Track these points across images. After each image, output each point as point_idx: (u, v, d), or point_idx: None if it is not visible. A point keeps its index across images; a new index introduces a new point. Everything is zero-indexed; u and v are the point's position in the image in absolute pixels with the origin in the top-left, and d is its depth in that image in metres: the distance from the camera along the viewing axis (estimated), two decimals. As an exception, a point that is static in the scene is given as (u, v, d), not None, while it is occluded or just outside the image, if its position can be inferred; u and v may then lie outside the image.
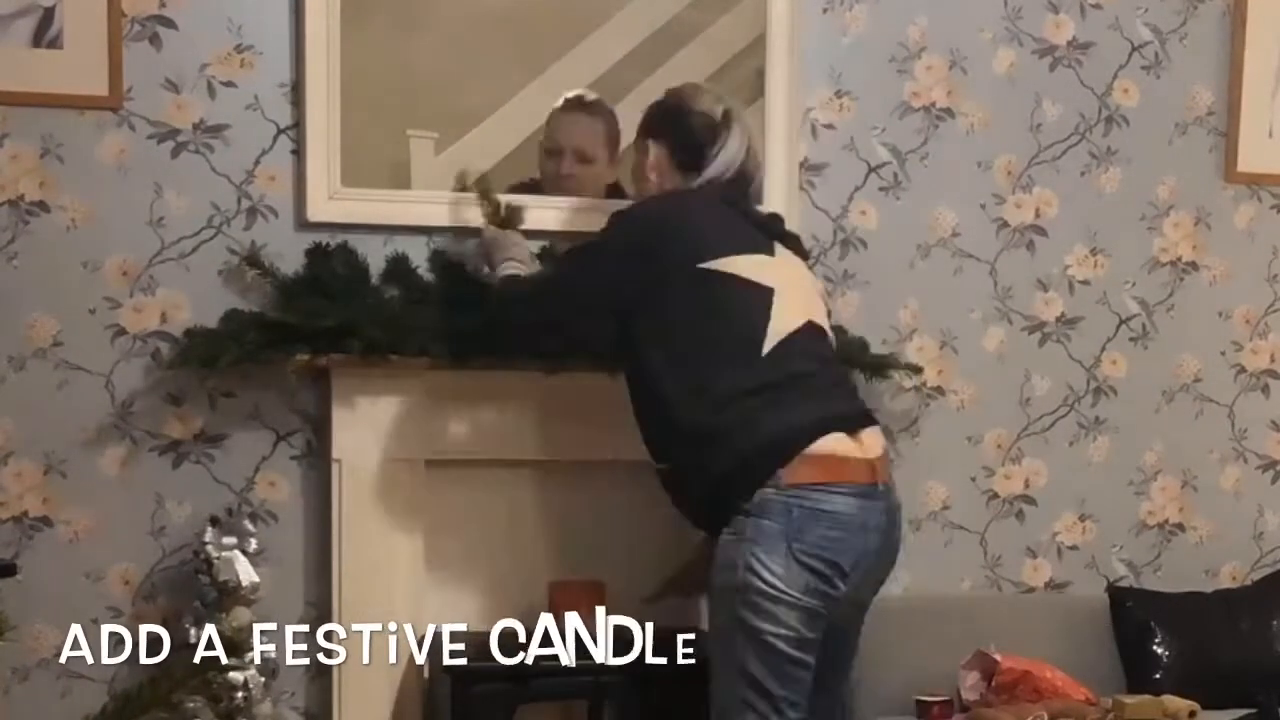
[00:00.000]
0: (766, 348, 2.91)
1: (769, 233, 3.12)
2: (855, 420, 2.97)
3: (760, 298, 2.94)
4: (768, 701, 2.85)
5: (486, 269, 3.37)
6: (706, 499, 2.94)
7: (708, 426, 2.87)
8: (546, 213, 3.61)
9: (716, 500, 2.90)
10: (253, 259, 3.47)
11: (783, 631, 2.82)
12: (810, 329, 2.99)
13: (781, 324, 2.93)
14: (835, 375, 3.05)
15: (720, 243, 2.96)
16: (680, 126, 3.16)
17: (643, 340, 2.98)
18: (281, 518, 3.56)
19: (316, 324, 3.35)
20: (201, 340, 3.40)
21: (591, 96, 3.63)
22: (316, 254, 3.49)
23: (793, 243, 3.20)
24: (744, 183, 3.15)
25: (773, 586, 2.81)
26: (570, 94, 3.62)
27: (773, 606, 2.82)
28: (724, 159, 3.10)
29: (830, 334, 3.11)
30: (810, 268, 3.28)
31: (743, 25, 3.76)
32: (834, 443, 2.88)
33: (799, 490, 2.82)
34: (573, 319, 3.14)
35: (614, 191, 3.65)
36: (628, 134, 3.51)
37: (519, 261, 3.32)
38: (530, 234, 3.52)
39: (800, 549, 2.81)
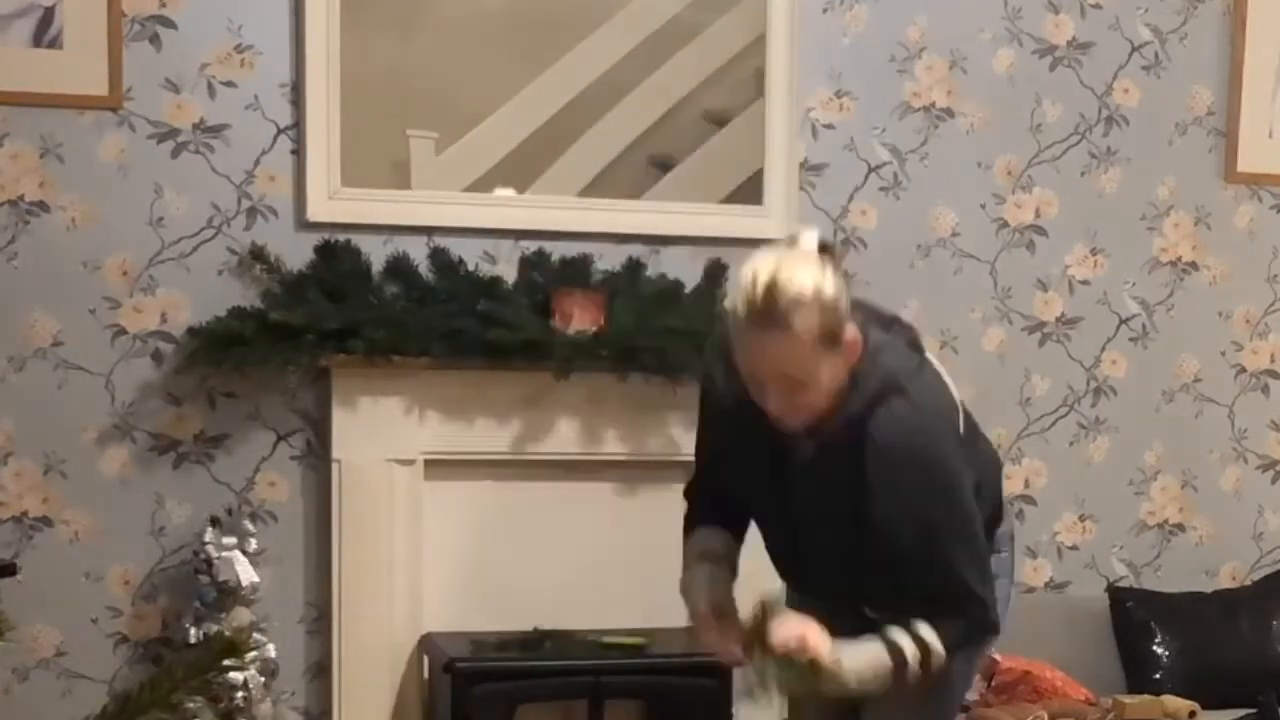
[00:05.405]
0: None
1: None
2: None
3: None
4: None
5: None
6: None
7: None
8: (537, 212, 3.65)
9: None
10: (258, 253, 3.47)
11: None
12: None
13: None
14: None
15: None
16: None
17: None
18: (281, 518, 3.56)
19: (320, 325, 3.36)
20: (206, 340, 3.40)
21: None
22: (322, 252, 3.50)
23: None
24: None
25: None
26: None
27: None
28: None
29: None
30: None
31: (743, 25, 3.76)
32: None
33: None
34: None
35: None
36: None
37: None
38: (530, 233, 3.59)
39: None
